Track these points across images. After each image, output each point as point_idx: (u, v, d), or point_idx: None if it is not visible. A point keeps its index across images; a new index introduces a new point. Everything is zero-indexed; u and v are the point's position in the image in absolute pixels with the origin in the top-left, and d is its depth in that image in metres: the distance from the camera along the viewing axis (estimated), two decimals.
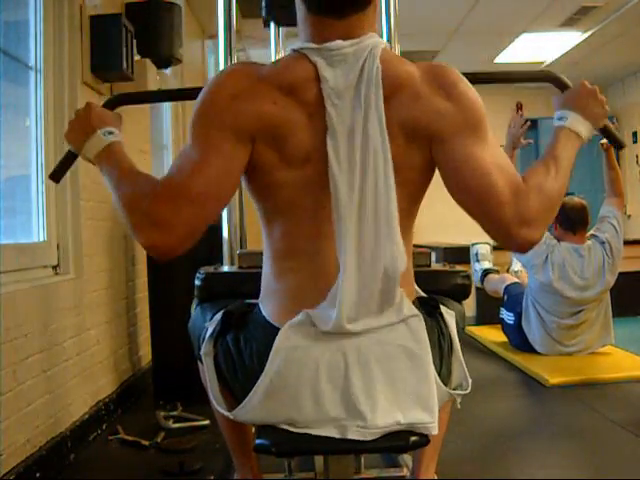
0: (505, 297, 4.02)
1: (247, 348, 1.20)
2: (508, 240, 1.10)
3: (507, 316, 3.94)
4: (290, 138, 1.12)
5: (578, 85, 1.30)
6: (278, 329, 1.15)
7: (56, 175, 1.46)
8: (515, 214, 1.07)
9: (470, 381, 1.29)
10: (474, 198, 1.10)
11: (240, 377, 1.22)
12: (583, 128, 1.23)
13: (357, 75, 1.12)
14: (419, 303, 1.24)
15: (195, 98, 1.16)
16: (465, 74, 1.20)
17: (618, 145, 1.46)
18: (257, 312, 1.23)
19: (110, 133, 1.24)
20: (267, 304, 1.21)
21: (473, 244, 4.56)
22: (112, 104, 1.47)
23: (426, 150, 1.14)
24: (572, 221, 3.66)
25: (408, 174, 1.15)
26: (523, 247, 1.11)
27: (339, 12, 1.13)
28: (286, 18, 2.71)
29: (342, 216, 1.10)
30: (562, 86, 1.39)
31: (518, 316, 3.79)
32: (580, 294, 3.56)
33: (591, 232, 3.72)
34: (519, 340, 3.80)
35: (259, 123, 1.11)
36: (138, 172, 1.16)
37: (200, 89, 1.17)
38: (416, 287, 1.31)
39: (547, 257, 3.59)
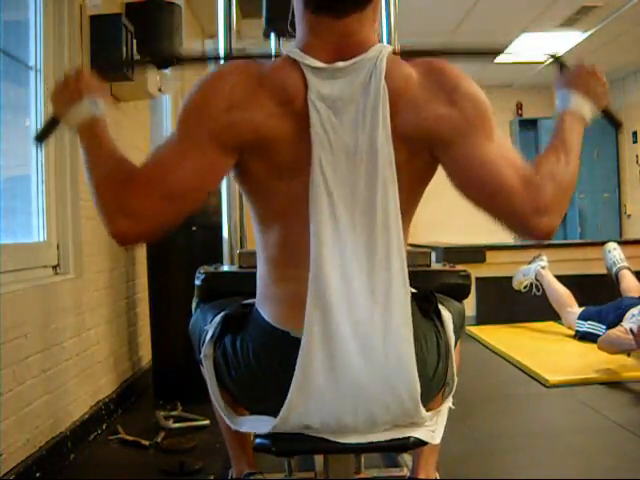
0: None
1: (244, 349, 1.20)
2: (525, 230, 1.09)
3: (598, 328, 3.95)
4: (283, 150, 1.10)
5: (579, 65, 1.24)
6: (278, 330, 1.15)
7: (40, 138, 1.34)
8: (528, 204, 1.06)
9: (456, 380, 1.30)
10: (484, 193, 1.09)
11: (235, 377, 1.22)
12: (587, 109, 1.20)
13: (359, 89, 1.08)
14: (414, 301, 1.20)
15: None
16: (422, 52, 1.19)
17: (617, 125, 1.42)
18: (256, 313, 1.22)
19: (95, 104, 1.17)
20: (266, 306, 1.21)
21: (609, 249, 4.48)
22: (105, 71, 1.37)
23: (426, 155, 1.13)
24: None
25: (408, 180, 1.13)
26: (541, 236, 1.09)
27: (337, 11, 1.10)
28: (287, 30, 2.68)
29: (341, 229, 1.09)
30: (561, 65, 1.29)
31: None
32: None
33: None
34: None
35: (251, 135, 1.08)
36: (118, 155, 1.11)
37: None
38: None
39: None
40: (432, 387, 1.22)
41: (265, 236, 1.19)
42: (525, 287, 4.51)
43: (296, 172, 1.10)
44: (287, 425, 1.12)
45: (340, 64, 1.09)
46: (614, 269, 4.29)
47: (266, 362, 1.16)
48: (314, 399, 1.09)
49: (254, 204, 1.19)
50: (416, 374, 1.10)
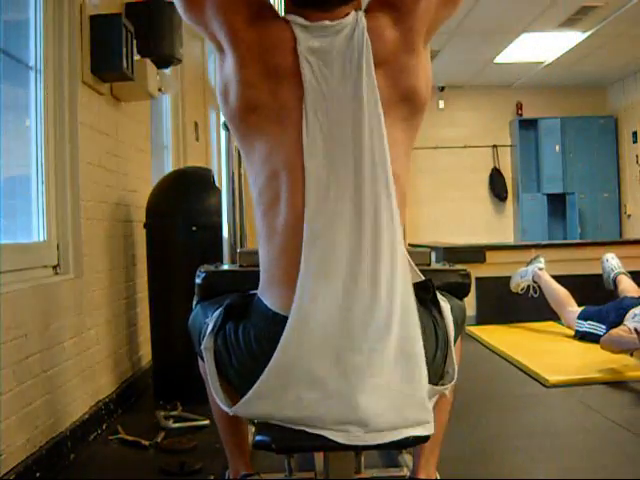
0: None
1: (245, 335, 1.22)
2: None
3: (598, 328, 3.95)
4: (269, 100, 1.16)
5: None
6: (279, 315, 1.17)
7: None
8: None
9: (457, 368, 1.31)
10: None
11: (236, 364, 1.23)
12: None
13: (343, 44, 1.16)
14: (414, 290, 1.22)
15: None
16: None
17: None
18: (258, 302, 1.24)
19: None
20: (267, 292, 1.22)
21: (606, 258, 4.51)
22: None
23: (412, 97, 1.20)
24: None
25: (398, 121, 1.20)
26: None
27: (323, 4, 1.17)
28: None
29: (340, 176, 1.14)
30: None
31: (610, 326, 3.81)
32: None
33: None
34: None
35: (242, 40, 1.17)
36: None
37: None
38: (413, 266, 1.32)
39: None
40: (431, 371, 1.22)
41: (262, 207, 1.22)
42: (522, 289, 4.51)
43: (288, 119, 1.16)
44: (284, 367, 1.13)
45: (326, 22, 1.18)
46: (612, 275, 4.32)
47: (268, 348, 1.16)
48: (308, 335, 1.12)
49: (251, 157, 1.23)
50: (414, 307, 1.14)
